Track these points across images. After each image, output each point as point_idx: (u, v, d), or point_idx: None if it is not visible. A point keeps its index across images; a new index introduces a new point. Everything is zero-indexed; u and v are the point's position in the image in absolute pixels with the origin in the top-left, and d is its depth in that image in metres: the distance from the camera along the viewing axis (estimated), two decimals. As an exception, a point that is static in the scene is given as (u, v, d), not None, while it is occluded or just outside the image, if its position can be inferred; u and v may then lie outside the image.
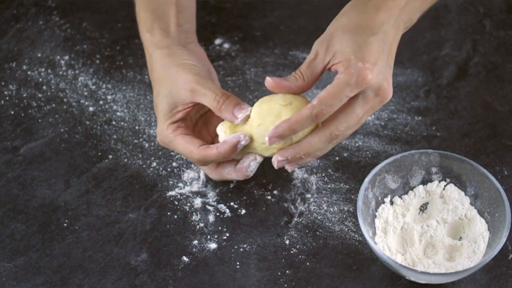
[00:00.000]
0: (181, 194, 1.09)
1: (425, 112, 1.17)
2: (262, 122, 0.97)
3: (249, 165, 1.00)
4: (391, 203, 1.04)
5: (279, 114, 0.96)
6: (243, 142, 0.97)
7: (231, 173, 1.02)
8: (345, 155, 1.12)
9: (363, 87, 0.93)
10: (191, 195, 1.09)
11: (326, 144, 0.96)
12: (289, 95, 0.97)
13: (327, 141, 0.96)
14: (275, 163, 0.97)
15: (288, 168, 0.98)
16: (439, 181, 1.05)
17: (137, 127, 1.16)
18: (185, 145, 1.00)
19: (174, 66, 1.02)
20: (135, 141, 1.14)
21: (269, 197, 1.09)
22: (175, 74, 1.01)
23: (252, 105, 0.99)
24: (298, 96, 0.98)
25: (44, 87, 1.21)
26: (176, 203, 1.07)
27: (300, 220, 1.06)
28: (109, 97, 1.19)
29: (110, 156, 1.13)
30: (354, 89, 0.92)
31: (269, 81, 0.96)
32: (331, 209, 1.07)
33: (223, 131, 0.99)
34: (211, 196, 1.09)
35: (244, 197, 1.09)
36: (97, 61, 1.24)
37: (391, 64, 0.97)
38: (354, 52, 0.93)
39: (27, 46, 1.26)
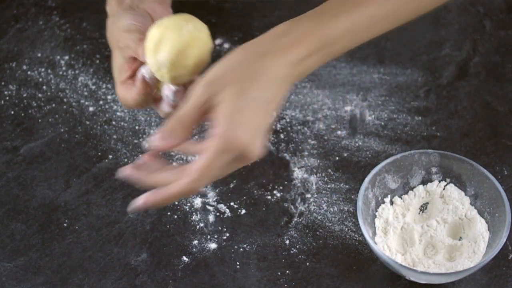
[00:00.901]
0: (181, 194, 1.09)
1: (425, 112, 1.17)
2: (147, 50, 0.95)
3: (166, 96, 0.98)
4: (391, 203, 1.04)
5: (153, 37, 0.93)
6: (146, 76, 0.96)
7: (164, 106, 1.00)
8: (345, 155, 1.12)
9: (232, 154, 0.87)
10: (191, 195, 1.09)
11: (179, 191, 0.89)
12: (165, 18, 0.95)
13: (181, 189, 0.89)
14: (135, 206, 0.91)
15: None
16: (439, 181, 1.05)
17: (137, 127, 1.16)
18: (126, 96, 0.98)
19: (114, 29, 1.01)
20: (135, 141, 1.14)
21: (269, 197, 1.09)
22: (115, 36, 1.00)
23: None
24: (172, 15, 0.96)
25: (44, 87, 1.21)
26: (176, 203, 1.07)
27: (300, 220, 1.06)
28: (109, 97, 1.19)
29: (110, 156, 1.13)
30: (223, 158, 0.87)
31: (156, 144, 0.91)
32: (331, 209, 1.07)
33: (146, 69, 0.98)
34: (211, 196, 1.09)
35: (244, 197, 1.09)
36: (97, 61, 1.24)
37: (267, 124, 0.89)
38: (230, 114, 0.86)
39: (27, 46, 1.26)
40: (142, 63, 0.98)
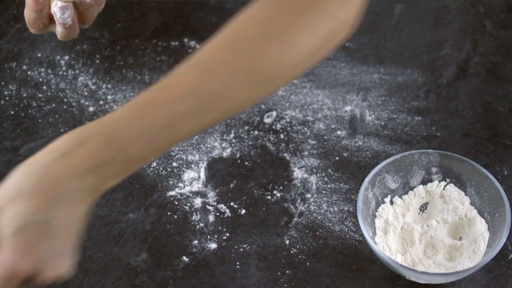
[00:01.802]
0: (181, 194, 1.09)
1: (425, 112, 1.17)
2: None
3: (54, 12, 0.99)
4: (391, 203, 1.04)
5: None
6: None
7: (57, 28, 1.02)
8: (345, 155, 1.12)
9: (17, 280, 0.79)
10: (191, 195, 1.09)
11: None
12: None
13: None
14: None
15: None
16: (439, 181, 1.05)
17: (137, 127, 1.16)
18: (26, 17, 1.00)
19: None
20: (135, 141, 1.14)
21: (269, 197, 1.09)
22: None
23: None
24: None
25: (44, 87, 1.21)
26: (176, 203, 1.07)
27: (300, 220, 1.06)
28: (109, 97, 1.19)
29: (110, 156, 1.13)
30: (10, 284, 0.79)
31: None
32: (331, 209, 1.07)
33: None
34: (211, 196, 1.09)
35: (244, 197, 1.09)
36: (97, 61, 1.24)
37: (61, 243, 0.81)
38: (11, 239, 0.79)
39: (27, 46, 1.26)
40: None
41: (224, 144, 1.13)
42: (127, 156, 0.80)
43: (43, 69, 1.23)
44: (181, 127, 0.82)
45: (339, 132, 1.15)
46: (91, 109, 1.18)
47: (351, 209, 1.07)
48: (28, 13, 1.00)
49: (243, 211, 1.07)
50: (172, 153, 1.12)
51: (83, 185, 0.80)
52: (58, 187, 0.79)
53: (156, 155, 0.83)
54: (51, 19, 1.02)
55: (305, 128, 1.15)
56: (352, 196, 1.08)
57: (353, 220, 1.06)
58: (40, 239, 0.79)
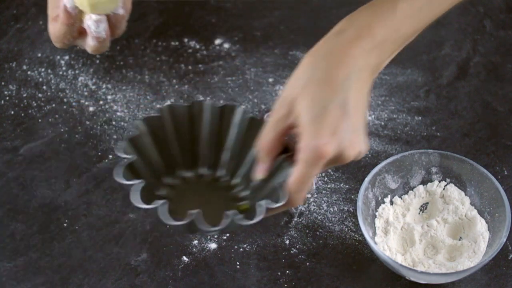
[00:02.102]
0: (181, 194, 1.09)
1: (425, 112, 1.17)
2: None
3: (88, 26, 0.98)
4: (391, 203, 1.04)
5: None
6: (68, 5, 0.96)
7: (88, 41, 1.02)
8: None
9: (324, 160, 0.86)
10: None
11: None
12: None
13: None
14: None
15: None
16: (439, 181, 1.05)
17: (137, 127, 1.16)
18: (53, 30, 1.00)
19: None
20: (135, 141, 1.14)
21: (269, 197, 1.08)
22: None
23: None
24: None
25: (44, 87, 1.21)
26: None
27: (300, 220, 1.06)
28: (109, 97, 1.19)
29: (110, 156, 1.13)
30: (316, 167, 0.86)
31: (260, 176, 0.93)
32: (331, 209, 1.07)
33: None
34: (211, 196, 1.09)
35: (244, 197, 1.09)
36: (97, 61, 1.23)
37: (356, 122, 0.88)
38: (311, 124, 0.86)
39: (27, 46, 1.26)
40: None
41: (224, 144, 1.13)
42: (398, 35, 0.90)
43: (43, 69, 1.23)
44: (436, 5, 0.96)
45: (339, 132, 1.15)
46: (91, 109, 1.18)
47: (351, 209, 1.07)
48: (58, 27, 0.98)
49: (243, 211, 1.07)
50: (172, 153, 1.12)
51: (368, 64, 0.88)
52: (347, 69, 0.87)
53: (416, 33, 0.94)
54: (80, 32, 1.02)
55: (305, 128, 1.15)
56: (352, 196, 1.08)
57: (353, 220, 1.06)
58: (339, 119, 0.86)
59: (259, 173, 0.92)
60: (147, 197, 0.90)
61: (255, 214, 0.89)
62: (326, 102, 0.86)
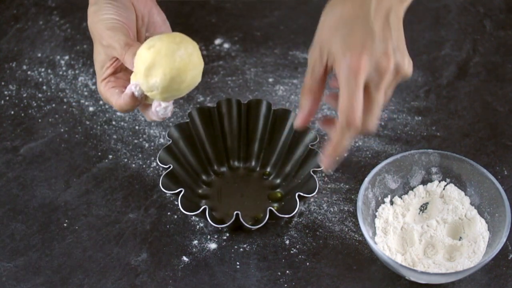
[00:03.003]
0: (181, 194, 1.09)
1: (425, 112, 1.17)
2: (138, 71, 0.95)
3: (156, 111, 0.98)
4: (391, 203, 1.04)
5: (144, 60, 0.94)
6: (136, 93, 0.96)
7: (152, 116, 1.01)
8: (345, 155, 1.12)
9: (362, 74, 0.90)
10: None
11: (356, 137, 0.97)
12: (155, 37, 0.96)
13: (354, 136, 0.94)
14: (324, 166, 0.96)
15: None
16: (439, 181, 1.05)
17: (137, 127, 1.16)
18: (110, 98, 1.00)
19: (97, 22, 1.01)
20: (135, 141, 1.14)
21: (269, 197, 1.09)
22: (98, 31, 1.01)
23: None
24: (164, 35, 0.96)
25: (44, 87, 1.21)
26: (176, 203, 1.07)
27: (300, 220, 1.06)
28: (109, 97, 1.19)
29: (110, 156, 1.13)
30: (357, 83, 0.90)
31: (299, 122, 0.96)
32: (331, 209, 1.07)
33: (133, 83, 0.98)
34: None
35: (244, 197, 1.09)
36: (97, 61, 1.23)
37: (387, 35, 0.91)
38: (341, 47, 0.91)
39: (27, 46, 1.26)
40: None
41: (224, 144, 1.14)
42: None
43: (43, 69, 1.23)
44: None
45: (339, 132, 1.15)
46: (91, 109, 1.18)
47: (351, 209, 1.07)
48: (120, 104, 0.98)
49: (243, 211, 1.07)
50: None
51: None
52: (369, 3, 0.91)
53: None
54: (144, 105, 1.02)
55: (305, 128, 1.15)
56: (352, 196, 1.08)
57: (353, 220, 1.06)
58: (366, 36, 0.90)
59: (298, 120, 0.95)
60: (190, 200, 1.04)
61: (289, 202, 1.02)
62: (349, 26, 0.91)
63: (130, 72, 0.99)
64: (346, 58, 0.90)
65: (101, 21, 1.00)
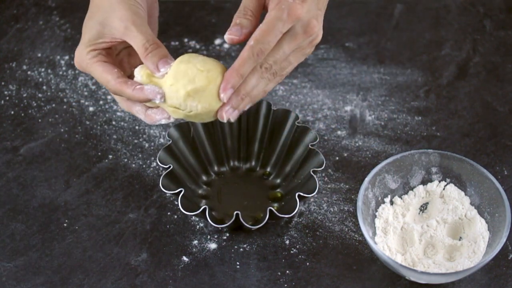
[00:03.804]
0: (181, 194, 1.09)
1: (425, 112, 1.17)
2: (175, 83, 0.94)
3: (159, 120, 0.98)
4: (391, 203, 1.04)
5: (193, 79, 0.94)
6: (157, 100, 0.95)
7: (140, 114, 0.99)
8: (345, 155, 1.12)
9: (294, 21, 0.93)
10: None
11: (263, 80, 0.95)
12: (209, 61, 0.95)
13: (261, 76, 0.94)
14: (224, 117, 0.95)
15: (232, 117, 0.96)
16: (439, 181, 1.05)
17: (137, 127, 1.16)
18: (102, 73, 0.98)
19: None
20: (135, 141, 1.14)
21: (269, 197, 1.09)
22: (115, 5, 0.99)
23: None
24: (217, 63, 0.96)
25: (44, 87, 1.21)
26: (176, 203, 1.07)
27: (300, 220, 1.06)
28: (109, 97, 1.19)
29: (110, 156, 1.13)
30: (286, 23, 0.93)
31: (231, 38, 0.96)
32: (331, 209, 1.07)
33: (139, 75, 0.97)
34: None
35: (244, 197, 1.09)
36: (97, 61, 1.23)
37: (321, 7, 0.96)
38: None
39: (27, 46, 1.26)
40: (126, 43, 0.98)
41: (224, 144, 1.14)
42: None
43: (43, 69, 1.23)
44: None
45: (339, 132, 1.15)
46: (91, 109, 1.18)
47: (351, 209, 1.07)
48: (128, 93, 0.97)
49: (243, 211, 1.07)
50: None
51: None
52: None
53: None
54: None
55: (305, 128, 1.15)
56: (352, 196, 1.08)
57: (353, 220, 1.06)
58: None
59: (237, 33, 0.95)
60: (190, 200, 1.03)
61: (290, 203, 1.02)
62: None
63: (118, 49, 1.00)
64: (288, 1, 0.93)
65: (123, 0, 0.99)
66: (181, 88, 0.93)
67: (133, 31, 0.97)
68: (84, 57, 0.99)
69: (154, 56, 0.95)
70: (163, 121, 0.97)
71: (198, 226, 1.05)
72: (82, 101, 1.19)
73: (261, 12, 0.97)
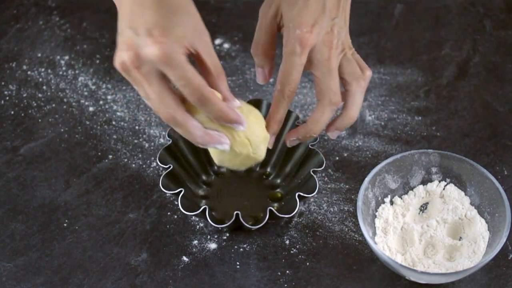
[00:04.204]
0: (181, 194, 1.09)
1: (425, 112, 1.17)
2: (253, 124, 0.95)
3: (219, 144, 0.93)
4: (391, 203, 1.04)
5: (263, 124, 0.97)
6: (221, 148, 0.93)
7: (196, 130, 0.91)
8: (345, 155, 1.12)
9: (309, 50, 0.95)
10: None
11: (330, 113, 0.98)
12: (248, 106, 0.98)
13: (330, 110, 0.97)
14: (287, 142, 1.00)
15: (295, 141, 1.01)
16: (439, 181, 1.05)
17: (137, 127, 1.16)
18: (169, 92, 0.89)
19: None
20: (135, 141, 1.14)
21: (269, 197, 1.09)
22: (198, 15, 0.92)
23: None
24: (253, 109, 0.98)
25: (44, 87, 1.21)
26: (176, 203, 1.07)
27: (300, 220, 1.06)
28: (109, 97, 1.19)
29: (110, 156, 1.13)
30: (303, 55, 0.95)
31: (262, 81, 1.01)
32: (331, 209, 1.07)
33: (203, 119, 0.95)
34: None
35: (244, 197, 1.09)
36: (97, 61, 1.24)
37: (334, 15, 0.96)
38: (293, 19, 0.95)
39: (27, 46, 1.26)
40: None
41: (224, 144, 1.13)
42: None
43: (43, 69, 1.23)
44: None
45: (339, 132, 1.15)
46: (91, 109, 1.18)
47: (351, 209, 1.07)
48: (194, 134, 0.92)
49: (243, 211, 1.07)
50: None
51: None
52: None
53: None
54: None
55: (305, 128, 1.15)
56: (352, 196, 1.08)
57: (353, 220, 1.06)
58: (319, 13, 0.95)
59: (262, 77, 1.00)
60: (190, 200, 1.03)
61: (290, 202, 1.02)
62: None
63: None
64: (296, 33, 0.94)
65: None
66: (262, 131, 0.96)
67: (212, 48, 0.91)
68: (177, 54, 0.87)
69: (224, 79, 0.93)
70: (220, 147, 0.93)
71: (198, 226, 1.05)
72: (82, 101, 1.19)
73: (275, 39, 1.00)
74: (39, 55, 1.25)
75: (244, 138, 0.94)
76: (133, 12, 0.88)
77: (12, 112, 1.18)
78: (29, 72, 1.23)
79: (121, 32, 0.90)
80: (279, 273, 1.01)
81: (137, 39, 0.87)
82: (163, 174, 1.02)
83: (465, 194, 1.04)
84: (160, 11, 0.87)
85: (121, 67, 0.89)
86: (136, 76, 0.88)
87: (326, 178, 1.10)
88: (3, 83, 1.21)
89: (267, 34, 0.99)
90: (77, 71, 1.22)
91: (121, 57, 0.88)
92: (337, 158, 1.12)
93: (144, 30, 0.87)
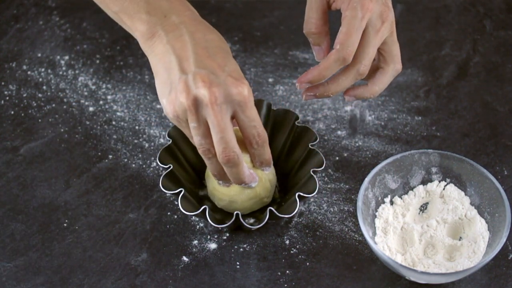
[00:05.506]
0: (181, 194, 1.09)
1: (425, 112, 1.17)
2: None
3: (253, 183, 1.00)
4: (391, 203, 1.04)
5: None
6: (253, 185, 0.99)
7: (245, 169, 0.97)
8: (345, 155, 1.12)
9: (369, 15, 0.96)
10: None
11: (353, 80, 0.99)
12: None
13: (355, 78, 0.99)
14: (303, 96, 1.01)
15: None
16: (439, 181, 1.05)
17: (137, 127, 1.16)
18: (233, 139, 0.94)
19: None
20: (135, 141, 1.14)
21: (269, 197, 1.09)
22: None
23: None
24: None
25: (44, 87, 1.21)
26: (176, 203, 1.07)
27: (300, 220, 1.06)
28: (109, 97, 1.19)
29: (110, 156, 1.13)
30: (363, 20, 0.96)
31: (321, 54, 1.02)
32: (331, 209, 1.07)
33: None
34: (211, 196, 1.09)
35: (244, 197, 1.09)
36: (97, 61, 1.24)
37: None
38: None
39: (27, 46, 1.26)
40: None
41: (224, 144, 1.13)
42: None
43: (43, 69, 1.23)
44: None
45: (339, 132, 1.15)
46: (91, 109, 1.18)
47: (351, 209, 1.07)
48: (238, 176, 0.97)
49: (243, 211, 1.07)
50: (172, 153, 1.12)
51: None
52: None
53: None
54: None
55: (305, 128, 1.15)
56: (352, 196, 1.08)
57: (353, 220, 1.06)
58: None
59: (321, 54, 1.01)
60: (190, 200, 1.03)
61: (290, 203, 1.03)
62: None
63: None
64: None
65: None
66: (272, 177, 1.03)
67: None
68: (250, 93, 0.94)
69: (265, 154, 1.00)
70: (253, 184, 0.99)
71: (198, 226, 1.05)
72: (82, 101, 1.19)
73: (327, 16, 1.01)
74: (39, 55, 1.25)
75: (266, 181, 1.03)
76: (198, 55, 0.92)
77: (12, 112, 1.18)
78: (29, 72, 1.23)
79: (188, 71, 0.91)
80: (279, 273, 1.01)
81: (217, 79, 0.90)
82: (163, 174, 1.02)
83: (465, 194, 1.04)
84: (227, 57, 0.93)
85: (193, 103, 0.91)
86: (210, 113, 0.90)
87: (326, 178, 1.10)
88: (3, 83, 1.21)
89: (319, 12, 1.01)
90: (77, 71, 1.22)
91: (199, 93, 0.90)
92: (337, 158, 1.12)
93: (222, 71, 0.91)
